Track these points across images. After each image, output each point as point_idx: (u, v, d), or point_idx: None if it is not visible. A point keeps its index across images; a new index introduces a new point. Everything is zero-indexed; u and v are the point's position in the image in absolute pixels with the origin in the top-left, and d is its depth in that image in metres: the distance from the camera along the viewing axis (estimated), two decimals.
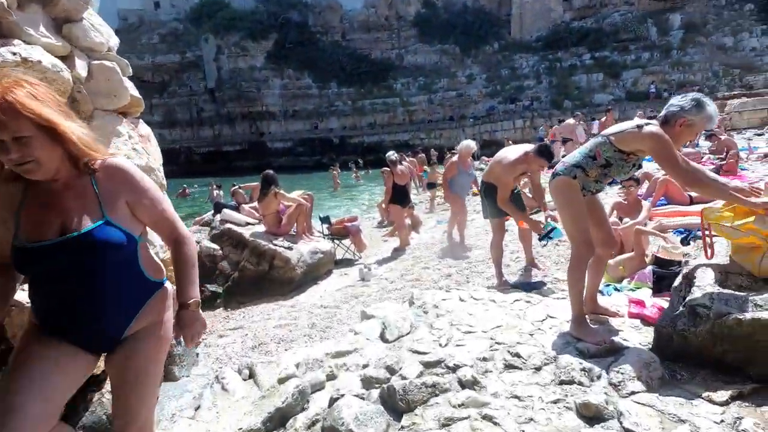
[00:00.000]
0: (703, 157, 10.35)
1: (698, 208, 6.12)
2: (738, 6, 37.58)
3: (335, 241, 6.67)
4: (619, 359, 2.22)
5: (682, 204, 6.38)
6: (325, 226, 6.72)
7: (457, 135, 36.78)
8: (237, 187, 6.96)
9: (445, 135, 37.67)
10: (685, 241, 2.92)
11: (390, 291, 4.70)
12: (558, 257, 4.82)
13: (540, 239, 3.92)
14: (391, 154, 6.65)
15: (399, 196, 6.56)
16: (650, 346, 2.41)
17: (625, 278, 3.81)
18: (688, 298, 2.21)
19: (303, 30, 46.50)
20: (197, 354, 3.17)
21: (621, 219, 4.59)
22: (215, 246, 5.63)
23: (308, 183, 25.12)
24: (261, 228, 5.83)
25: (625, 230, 4.27)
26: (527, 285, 3.73)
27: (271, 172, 6.00)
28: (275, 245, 5.37)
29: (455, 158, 6.34)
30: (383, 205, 7.02)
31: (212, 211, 6.33)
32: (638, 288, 3.48)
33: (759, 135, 19.50)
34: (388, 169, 6.55)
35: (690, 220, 5.46)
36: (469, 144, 6.14)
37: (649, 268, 3.55)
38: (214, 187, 15.28)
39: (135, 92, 2.82)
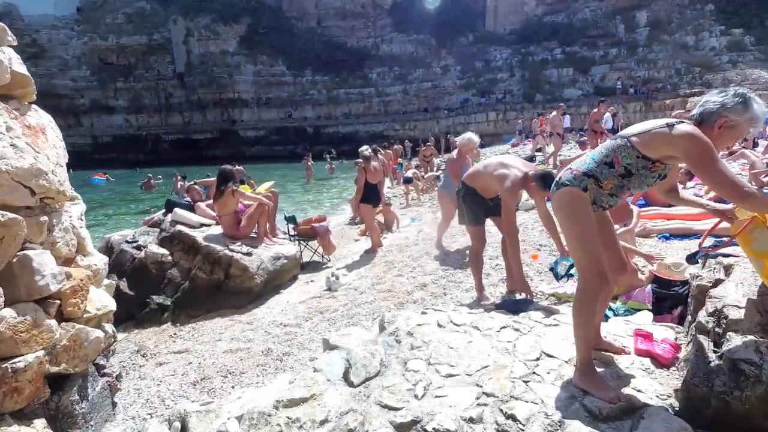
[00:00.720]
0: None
1: (681, 211, 5.83)
2: (700, 6, 38.34)
3: (302, 243, 6.04)
4: (640, 425, 1.74)
5: (663, 206, 6.05)
6: (291, 226, 6.07)
7: (432, 127, 36.34)
8: (193, 182, 6.17)
9: (420, 126, 37.17)
10: (692, 260, 2.46)
11: (359, 304, 4.14)
12: (541, 266, 4.37)
13: (558, 278, 3.45)
14: (365, 149, 6.04)
15: (371, 194, 5.98)
16: (670, 397, 1.95)
17: (619, 296, 3.37)
18: (725, 348, 1.74)
19: (277, 15, 44.73)
20: (113, 404, 2.51)
21: None
22: (164, 251, 4.90)
23: (281, 174, 24.16)
24: (218, 230, 5.13)
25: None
26: (513, 305, 3.24)
27: (228, 166, 5.29)
28: (232, 251, 4.70)
29: (454, 154, 5.70)
30: (355, 204, 6.42)
31: (163, 210, 5.55)
32: (637, 310, 3.04)
33: None
34: (361, 163, 5.95)
35: (677, 224, 5.12)
36: (471, 138, 5.36)
37: (649, 287, 3.11)
38: (179, 177, 14.25)
39: (21, 69, 2.10)
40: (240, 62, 42.35)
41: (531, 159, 14.13)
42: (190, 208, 5.55)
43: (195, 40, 42.01)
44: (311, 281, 5.32)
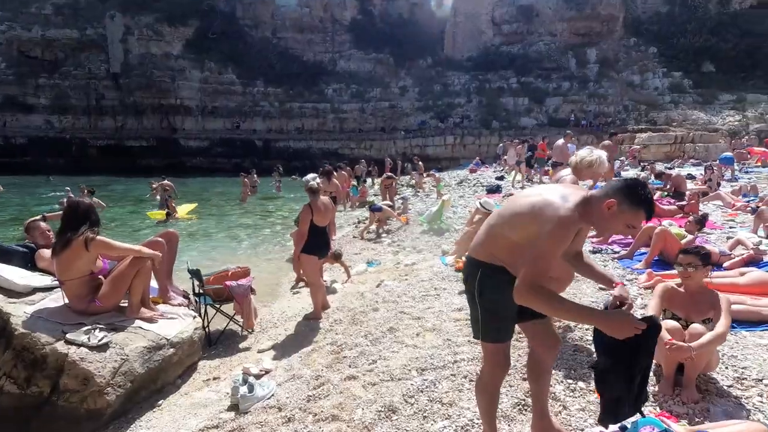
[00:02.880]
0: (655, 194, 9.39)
1: (753, 278, 4.39)
2: (644, 48, 40.66)
3: (211, 305, 4.19)
4: None
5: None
6: (197, 284, 4.20)
7: (388, 147, 35.27)
8: (40, 217, 4.09)
9: (376, 146, 35.99)
10: None
11: None
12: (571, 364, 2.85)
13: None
14: (312, 180, 4.33)
15: (316, 242, 4.29)
16: None
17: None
18: None
19: (230, 21, 42.33)
20: None
21: (679, 319, 2.73)
22: None
23: (222, 190, 21.76)
24: (59, 299, 3.21)
25: (703, 350, 2.40)
26: None
27: (84, 201, 3.36)
28: (70, 342, 2.81)
29: (567, 175, 3.60)
30: (295, 255, 4.61)
31: None
32: None
33: (669, 168, 20.20)
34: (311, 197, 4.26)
35: (744, 306, 3.77)
36: (602, 160, 3.38)
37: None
38: (86, 192, 11.73)
39: None
40: (185, 67, 39.29)
41: (497, 189, 13.06)
42: (28, 257, 3.57)
43: (135, 39, 38.52)
44: (214, 378, 3.49)
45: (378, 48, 43.80)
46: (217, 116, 39.90)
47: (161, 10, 39.41)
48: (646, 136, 29.47)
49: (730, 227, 7.05)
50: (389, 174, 11.16)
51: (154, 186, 14.78)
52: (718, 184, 11.78)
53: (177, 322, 3.54)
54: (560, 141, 10.24)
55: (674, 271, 4.47)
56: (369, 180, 21.14)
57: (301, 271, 4.46)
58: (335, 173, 12.43)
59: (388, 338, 3.76)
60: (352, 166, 19.43)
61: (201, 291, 4.13)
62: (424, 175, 16.76)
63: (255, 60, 41.28)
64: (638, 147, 23.25)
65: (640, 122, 34.06)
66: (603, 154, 3.45)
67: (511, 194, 12.30)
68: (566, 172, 3.64)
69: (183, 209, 12.52)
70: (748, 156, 18.99)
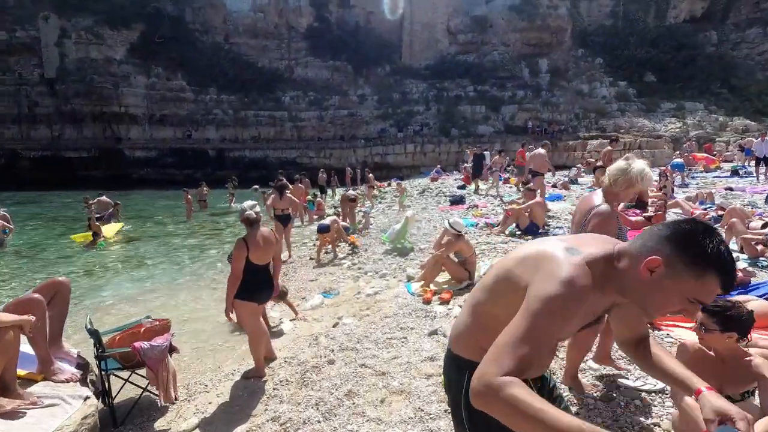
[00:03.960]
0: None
1: None
2: (591, 59, 42.36)
3: (115, 374, 3.26)
4: None
5: None
6: (97, 346, 3.25)
7: (348, 156, 34.51)
8: None
9: (336, 155, 35.11)
10: None
11: None
12: None
13: None
14: (249, 209, 3.49)
15: (255, 284, 3.46)
16: None
17: None
18: None
19: (178, 25, 40.21)
20: None
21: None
22: None
23: (167, 205, 20.15)
24: None
25: None
26: None
27: None
28: None
29: (596, 200, 2.64)
30: (228, 302, 3.69)
31: None
32: None
33: None
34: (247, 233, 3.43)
35: None
36: (646, 173, 2.47)
37: None
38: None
39: None
40: (129, 72, 36.81)
41: (461, 200, 12.61)
42: None
43: (72, 42, 35.67)
44: None
45: (335, 55, 43.09)
46: (167, 125, 37.63)
47: (102, 12, 36.80)
48: (597, 143, 30.52)
49: None
50: (352, 196, 10.36)
51: (89, 202, 13.22)
52: (672, 191, 11.92)
53: (59, 411, 2.61)
54: (540, 150, 9.89)
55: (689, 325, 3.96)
56: (329, 191, 20.27)
57: (234, 318, 3.60)
58: (290, 187, 11.57)
59: (346, 408, 2.99)
60: (312, 176, 18.51)
61: (103, 354, 3.18)
62: (375, 188, 16.07)
63: (207, 66, 39.40)
64: (593, 160, 23.92)
65: (590, 129, 35.28)
66: (645, 165, 2.50)
67: (475, 205, 11.89)
68: (596, 197, 2.58)
69: (111, 229, 11.17)
70: (694, 162, 19.79)
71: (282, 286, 5.03)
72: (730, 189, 12.77)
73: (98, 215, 12.13)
